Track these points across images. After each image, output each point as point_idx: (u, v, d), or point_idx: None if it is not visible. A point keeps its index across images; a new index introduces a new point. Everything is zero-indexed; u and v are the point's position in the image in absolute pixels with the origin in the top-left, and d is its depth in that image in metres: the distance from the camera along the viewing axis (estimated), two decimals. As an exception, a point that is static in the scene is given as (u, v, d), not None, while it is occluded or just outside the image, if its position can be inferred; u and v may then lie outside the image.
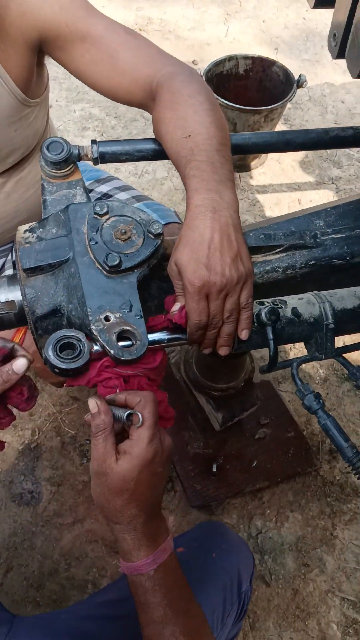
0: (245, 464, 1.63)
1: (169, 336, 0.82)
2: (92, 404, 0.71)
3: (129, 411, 0.71)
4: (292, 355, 1.96)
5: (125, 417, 0.70)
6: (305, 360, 0.90)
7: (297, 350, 1.96)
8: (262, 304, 0.87)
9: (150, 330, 0.81)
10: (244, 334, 0.82)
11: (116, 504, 0.69)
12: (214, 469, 1.60)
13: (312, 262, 0.94)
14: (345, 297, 0.90)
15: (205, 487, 1.60)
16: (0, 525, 1.60)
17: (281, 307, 0.87)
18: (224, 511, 1.64)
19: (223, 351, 0.84)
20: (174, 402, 1.66)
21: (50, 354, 0.74)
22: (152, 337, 0.80)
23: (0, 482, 1.68)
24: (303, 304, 0.88)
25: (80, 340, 0.76)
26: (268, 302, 0.88)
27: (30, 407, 0.78)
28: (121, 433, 0.73)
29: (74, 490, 1.66)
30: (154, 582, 0.70)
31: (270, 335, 0.83)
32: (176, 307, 0.80)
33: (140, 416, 0.70)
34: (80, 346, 0.76)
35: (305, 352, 0.93)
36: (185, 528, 1.60)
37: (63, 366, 0.73)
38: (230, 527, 1.61)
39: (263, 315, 0.83)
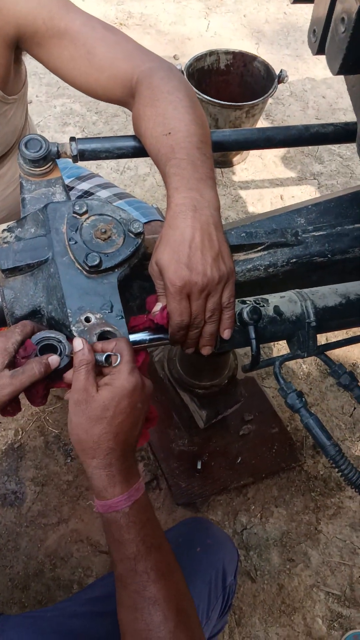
0: (229, 460, 1.64)
1: (151, 336, 0.81)
2: (78, 341, 0.73)
3: (107, 353, 0.73)
4: (275, 352, 1.97)
5: (103, 359, 0.73)
6: (287, 358, 0.90)
7: (280, 346, 1.97)
8: (244, 302, 0.87)
9: (132, 330, 0.81)
10: (226, 334, 0.82)
11: (94, 434, 0.69)
12: (199, 466, 1.60)
13: (294, 260, 0.94)
14: (326, 294, 0.90)
15: (190, 484, 1.59)
16: (-17, 526, 1.59)
17: (263, 306, 0.87)
18: (209, 508, 1.64)
19: (205, 351, 0.84)
20: (158, 400, 1.67)
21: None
22: (134, 337, 0.80)
23: (-17, 483, 1.66)
24: (285, 302, 0.88)
25: (60, 341, 0.76)
26: (250, 301, 0.87)
27: (42, 404, 0.79)
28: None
29: (59, 490, 1.65)
30: (129, 519, 0.71)
31: (253, 335, 0.83)
32: (158, 307, 0.79)
33: (119, 355, 0.72)
34: (60, 347, 0.76)
35: (288, 349, 0.93)
36: (170, 526, 1.60)
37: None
38: (216, 524, 1.61)
39: (245, 314, 0.83)
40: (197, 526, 1.16)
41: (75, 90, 1.03)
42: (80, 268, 0.78)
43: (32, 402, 0.78)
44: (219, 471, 1.62)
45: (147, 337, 0.81)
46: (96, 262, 0.76)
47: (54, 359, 0.75)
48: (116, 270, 0.79)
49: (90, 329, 0.75)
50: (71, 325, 0.75)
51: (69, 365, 0.76)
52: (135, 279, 0.88)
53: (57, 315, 0.79)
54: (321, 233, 0.95)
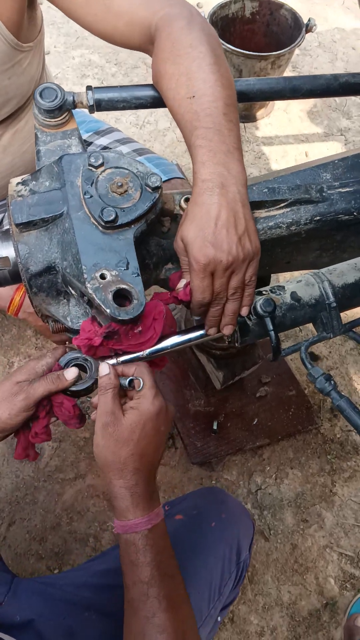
0: (246, 421, 1.63)
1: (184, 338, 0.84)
2: (104, 366, 0.76)
3: (130, 377, 0.76)
4: (303, 333, 1.93)
5: (127, 383, 0.76)
6: (313, 342, 0.88)
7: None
8: (259, 293, 0.86)
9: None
10: (244, 311, 0.82)
11: (121, 455, 0.72)
12: (215, 427, 1.60)
13: (318, 217, 0.91)
14: (345, 271, 0.88)
15: (206, 444, 1.60)
16: (2, 480, 1.62)
17: (280, 294, 0.86)
18: (224, 468, 1.65)
19: (227, 330, 0.83)
20: (174, 361, 1.65)
21: None
22: (168, 342, 0.82)
23: (2, 438, 1.69)
24: (302, 286, 0.87)
25: (87, 360, 0.81)
26: (266, 291, 0.87)
27: (79, 426, 0.82)
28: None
29: (76, 447, 1.67)
30: (146, 541, 0.72)
31: (270, 326, 0.83)
32: (181, 283, 0.79)
33: (141, 380, 0.75)
34: (87, 366, 0.81)
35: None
36: (185, 484, 1.62)
37: (75, 388, 0.80)
38: (230, 484, 1.62)
39: (259, 307, 0.82)
40: (212, 498, 1.15)
41: (95, 41, 0.99)
42: (95, 223, 0.76)
43: (67, 424, 0.82)
44: (234, 432, 1.62)
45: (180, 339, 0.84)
46: (112, 217, 0.74)
47: (69, 372, 0.79)
48: (132, 226, 0.77)
49: (106, 286, 0.73)
50: (86, 282, 0.73)
51: (96, 382, 0.80)
52: (152, 235, 0.86)
53: (71, 271, 0.77)
54: (348, 190, 0.91)
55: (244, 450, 1.63)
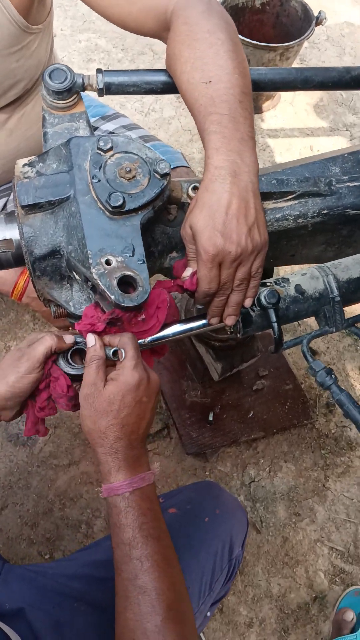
0: (241, 414, 1.63)
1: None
2: (90, 337, 0.76)
3: (114, 348, 0.76)
4: (302, 328, 1.93)
5: (111, 354, 0.76)
6: (315, 335, 0.88)
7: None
8: (263, 285, 0.86)
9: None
10: (247, 302, 0.81)
11: (101, 425, 0.73)
12: (210, 418, 1.60)
13: (325, 211, 0.90)
14: (350, 266, 0.88)
15: (201, 435, 1.60)
16: (-4, 464, 1.62)
17: (284, 286, 0.86)
18: (218, 459, 1.65)
19: (230, 321, 0.83)
20: (173, 351, 1.65)
21: (60, 361, 0.81)
22: (170, 330, 0.82)
23: (-4, 422, 1.68)
24: (306, 279, 0.87)
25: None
26: (270, 283, 0.86)
27: (72, 408, 0.83)
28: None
29: (71, 433, 1.67)
30: (128, 503, 0.73)
31: (274, 318, 0.83)
32: (188, 272, 0.78)
33: (123, 351, 0.75)
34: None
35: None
36: (179, 474, 1.62)
37: (73, 372, 0.80)
38: (224, 475, 1.63)
39: (263, 299, 0.82)
40: (207, 492, 1.14)
41: (101, 25, 0.97)
42: (102, 208, 0.75)
43: (57, 402, 0.82)
44: (230, 424, 1.62)
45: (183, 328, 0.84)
46: (119, 203, 0.73)
47: (68, 337, 0.81)
48: (140, 212, 0.76)
49: (111, 272, 0.72)
50: (91, 268, 0.72)
51: None
52: (159, 223, 0.85)
53: (76, 256, 0.76)
54: (356, 184, 0.90)
55: (238, 442, 1.63)
